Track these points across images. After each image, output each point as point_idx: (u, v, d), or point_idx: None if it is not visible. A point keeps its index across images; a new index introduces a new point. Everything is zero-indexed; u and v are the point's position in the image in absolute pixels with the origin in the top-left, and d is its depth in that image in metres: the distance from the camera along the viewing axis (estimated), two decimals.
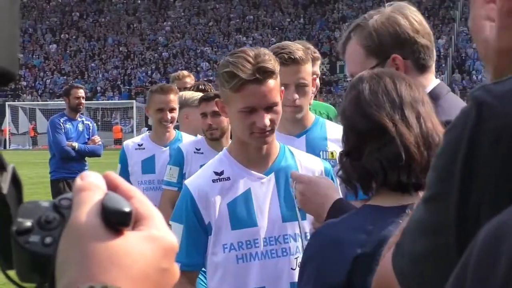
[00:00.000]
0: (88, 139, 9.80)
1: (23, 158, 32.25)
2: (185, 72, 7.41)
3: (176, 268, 0.80)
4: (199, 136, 5.41)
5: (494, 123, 1.13)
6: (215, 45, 65.61)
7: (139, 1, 75.30)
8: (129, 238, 0.77)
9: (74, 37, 70.25)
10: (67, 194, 0.82)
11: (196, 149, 5.17)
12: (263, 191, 2.97)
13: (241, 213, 2.93)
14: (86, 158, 9.88)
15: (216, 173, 2.98)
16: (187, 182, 3.05)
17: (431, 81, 2.70)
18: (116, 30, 70.51)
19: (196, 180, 3.01)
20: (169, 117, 5.81)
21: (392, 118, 2.06)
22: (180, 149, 5.20)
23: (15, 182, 0.84)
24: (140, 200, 0.81)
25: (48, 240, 0.77)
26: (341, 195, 2.57)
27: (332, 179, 2.89)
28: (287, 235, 2.95)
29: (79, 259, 0.75)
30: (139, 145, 5.98)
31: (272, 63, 2.83)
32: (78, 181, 0.81)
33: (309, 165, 3.09)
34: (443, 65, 56.81)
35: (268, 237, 2.93)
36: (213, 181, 2.96)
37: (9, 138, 51.02)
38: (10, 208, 0.81)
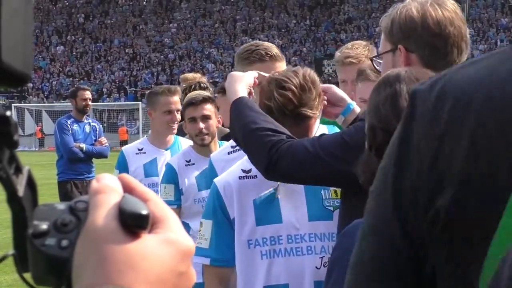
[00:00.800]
0: (95, 140, 9.79)
1: (29, 160, 32.28)
2: (198, 75, 7.32)
3: (192, 272, 0.80)
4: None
5: (423, 107, 1.17)
6: (221, 47, 65.64)
7: (145, 3, 75.37)
8: (146, 241, 0.76)
9: (80, 38, 70.36)
10: (83, 196, 0.81)
11: (186, 161, 5.02)
12: (290, 189, 2.97)
13: (266, 210, 2.97)
14: (93, 160, 9.89)
15: (244, 171, 3.04)
16: (215, 180, 3.12)
17: None
18: (122, 31, 70.59)
19: (224, 177, 3.10)
20: (177, 118, 5.71)
21: None
22: (170, 166, 5.05)
23: (31, 184, 0.83)
24: (156, 203, 0.80)
25: (64, 243, 0.77)
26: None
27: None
28: (312, 233, 2.96)
29: (96, 262, 0.74)
30: (139, 149, 5.90)
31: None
32: (94, 183, 0.81)
33: None
34: None
35: (293, 235, 2.95)
36: (240, 177, 3.03)
37: None
38: (26, 210, 0.80)
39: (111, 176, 0.82)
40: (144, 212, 0.76)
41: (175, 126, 5.75)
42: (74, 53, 68.30)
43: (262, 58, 3.43)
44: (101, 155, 9.83)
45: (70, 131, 9.54)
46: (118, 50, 67.82)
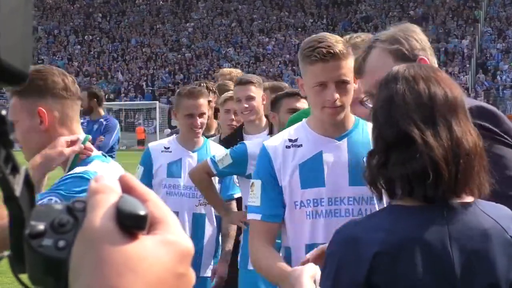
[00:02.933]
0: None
1: None
2: (236, 70, 7.20)
3: (192, 273, 0.79)
4: None
5: None
6: (238, 46, 65.65)
7: (162, 2, 75.52)
8: (145, 243, 0.75)
9: (97, 38, 70.59)
10: (81, 197, 0.81)
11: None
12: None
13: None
14: (117, 160, 9.73)
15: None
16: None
17: None
18: (139, 31, 70.75)
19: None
20: (199, 123, 5.46)
21: (422, 130, 2.02)
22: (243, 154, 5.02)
23: (28, 184, 0.82)
24: (155, 203, 0.79)
25: (61, 243, 0.76)
26: None
27: None
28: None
29: (94, 264, 0.73)
30: (165, 147, 5.64)
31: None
32: (93, 183, 0.80)
33: None
34: (467, 65, 56.48)
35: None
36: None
37: None
38: (23, 211, 0.80)
39: (110, 176, 0.81)
40: (142, 212, 0.75)
41: (198, 129, 5.51)
42: (91, 52, 68.54)
43: (323, 58, 3.21)
44: None
45: None
46: (135, 49, 67.97)
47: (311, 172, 3.22)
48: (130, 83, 62.12)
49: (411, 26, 2.94)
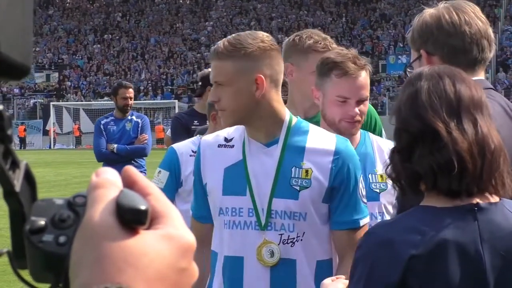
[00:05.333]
0: (136, 137, 9.29)
1: (67, 158, 32.61)
2: None
3: (194, 268, 0.78)
4: None
5: None
6: None
7: (181, 1, 75.65)
8: (145, 237, 0.74)
9: (117, 37, 70.83)
10: (82, 191, 0.79)
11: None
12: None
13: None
14: (145, 159, 9.50)
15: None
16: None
17: None
18: (158, 30, 70.93)
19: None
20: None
21: (447, 123, 2.01)
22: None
23: (29, 179, 0.81)
24: (157, 198, 0.78)
25: (62, 239, 0.75)
26: None
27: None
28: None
29: (94, 259, 0.72)
30: (193, 151, 4.83)
31: None
32: (93, 178, 0.79)
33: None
34: (487, 63, 56.13)
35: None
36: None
37: (54, 138, 51.63)
38: (23, 206, 0.79)
39: (111, 170, 0.80)
40: (143, 207, 0.74)
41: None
42: (111, 51, 68.78)
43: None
44: (137, 154, 9.25)
45: (104, 132, 9.16)
46: (154, 48, 68.15)
47: (235, 177, 2.97)
48: (149, 82, 62.29)
49: (451, 12, 2.76)
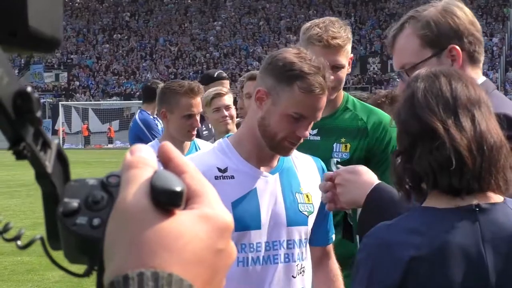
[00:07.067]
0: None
1: (76, 158, 32.66)
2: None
3: (232, 248, 0.75)
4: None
5: None
6: (266, 44, 65.65)
7: (190, 1, 75.70)
8: (181, 219, 0.72)
9: (126, 37, 70.94)
10: (116, 170, 0.78)
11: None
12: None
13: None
14: None
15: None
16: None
17: (480, 76, 2.64)
18: (167, 30, 71.01)
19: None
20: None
21: (444, 121, 2.01)
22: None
23: (61, 159, 0.80)
24: (192, 176, 0.76)
25: (96, 221, 0.74)
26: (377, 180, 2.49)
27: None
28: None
29: (127, 243, 0.70)
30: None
31: None
32: (128, 156, 0.76)
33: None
34: (497, 63, 56.02)
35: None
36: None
37: (62, 138, 51.74)
38: (56, 187, 0.77)
39: (146, 148, 0.78)
40: (178, 188, 0.72)
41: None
42: (120, 51, 68.88)
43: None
44: None
45: (159, 130, 8.64)
46: (163, 48, 68.23)
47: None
48: None
49: (456, 6, 2.67)
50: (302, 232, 2.82)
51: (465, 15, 2.64)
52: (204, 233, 0.72)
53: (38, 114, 0.73)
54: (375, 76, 57.38)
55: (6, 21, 0.70)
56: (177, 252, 0.70)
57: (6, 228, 0.78)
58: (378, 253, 2.03)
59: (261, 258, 2.72)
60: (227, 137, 2.88)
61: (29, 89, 0.72)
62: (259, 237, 2.71)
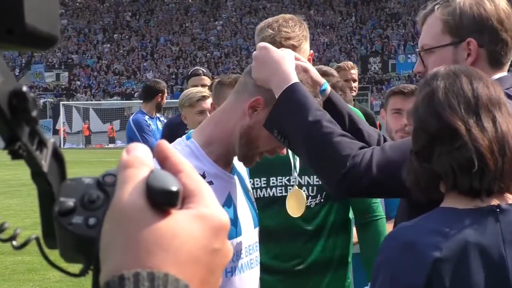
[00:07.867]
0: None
1: (77, 157, 32.67)
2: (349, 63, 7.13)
3: (228, 248, 0.75)
4: None
5: None
6: None
7: (191, 1, 75.70)
8: (177, 218, 0.72)
9: (126, 37, 70.92)
10: (112, 169, 0.77)
11: None
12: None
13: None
14: None
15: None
16: None
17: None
18: (168, 29, 71.00)
19: None
20: None
21: (465, 121, 1.99)
22: None
23: (57, 157, 0.80)
24: (188, 175, 0.75)
25: (92, 221, 0.74)
26: (295, 74, 2.42)
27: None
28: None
29: (123, 243, 0.70)
30: None
31: None
32: (124, 155, 0.76)
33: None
34: None
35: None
36: None
37: (63, 138, 51.71)
38: (52, 186, 0.78)
39: (142, 147, 0.77)
40: (174, 188, 0.71)
41: None
42: (120, 51, 68.88)
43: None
44: None
45: (151, 131, 8.83)
46: (164, 48, 68.22)
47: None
48: None
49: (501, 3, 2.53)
50: (257, 233, 2.72)
51: (496, 11, 2.50)
52: (200, 232, 0.72)
53: (34, 113, 0.73)
54: (376, 75, 57.37)
55: (3, 18, 0.70)
56: (173, 252, 0.70)
57: (1, 228, 0.78)
58: (400, 255, 1.98)
59: (244, 264, 2.57)
60: (188, 138, 2.59)
61: (24, 88, 0.72)
62: (241, 243, 2.55)
